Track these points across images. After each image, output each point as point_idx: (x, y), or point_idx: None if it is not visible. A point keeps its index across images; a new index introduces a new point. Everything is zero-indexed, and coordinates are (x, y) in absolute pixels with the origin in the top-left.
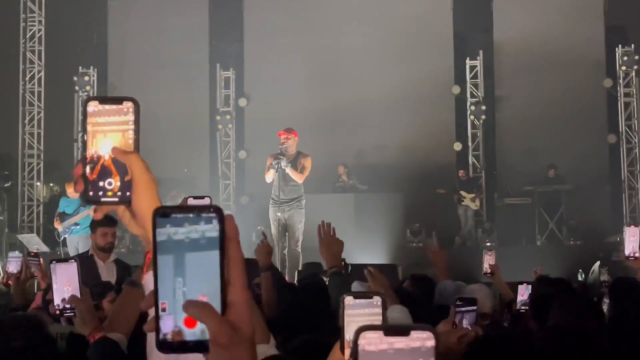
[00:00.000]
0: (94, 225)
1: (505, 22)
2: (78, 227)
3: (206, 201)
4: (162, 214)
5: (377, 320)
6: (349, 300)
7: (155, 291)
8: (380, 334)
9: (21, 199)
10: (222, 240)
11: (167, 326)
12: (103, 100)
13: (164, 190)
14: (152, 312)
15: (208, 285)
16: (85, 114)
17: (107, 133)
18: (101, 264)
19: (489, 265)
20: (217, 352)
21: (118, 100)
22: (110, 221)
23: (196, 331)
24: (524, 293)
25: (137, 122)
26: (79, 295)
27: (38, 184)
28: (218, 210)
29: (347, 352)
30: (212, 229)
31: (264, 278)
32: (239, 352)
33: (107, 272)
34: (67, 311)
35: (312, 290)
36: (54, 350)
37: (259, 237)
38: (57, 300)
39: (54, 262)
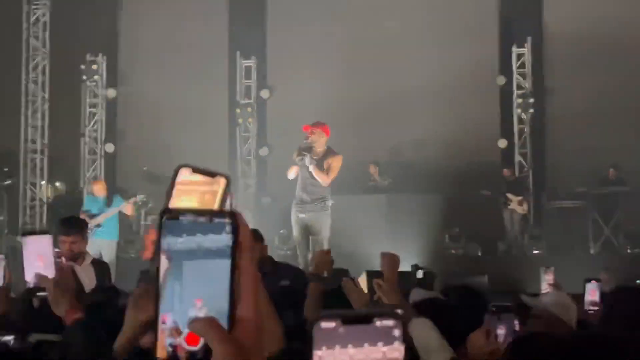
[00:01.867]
0: None
1: (557, 5)
2: (101, 228)
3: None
4: (170, 216)
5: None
6: None
7: (156, 303)
8: (338, 322)
9: (23, 199)
10: (234, 251)
11: (167, 342)
12: (196, 169)
13: None
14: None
15: (215, 299)
16: (174, 178)
17: (181, 195)
18: (77, 267)
19: (549, 285)
20: None
21: (211, 174)
22: (70, 228)
23: (198, 349)
24: (594, 293)
25: (222, 197)
26: (52, 272)
27: (42, 182)
28: (232, 216)
29: None
30: (223, 238)
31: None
32: None
33: (86, 275)
34: (40, 290)
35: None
36: None
37: (282, 241)
38: (27, 277)
39: (25, 235)
